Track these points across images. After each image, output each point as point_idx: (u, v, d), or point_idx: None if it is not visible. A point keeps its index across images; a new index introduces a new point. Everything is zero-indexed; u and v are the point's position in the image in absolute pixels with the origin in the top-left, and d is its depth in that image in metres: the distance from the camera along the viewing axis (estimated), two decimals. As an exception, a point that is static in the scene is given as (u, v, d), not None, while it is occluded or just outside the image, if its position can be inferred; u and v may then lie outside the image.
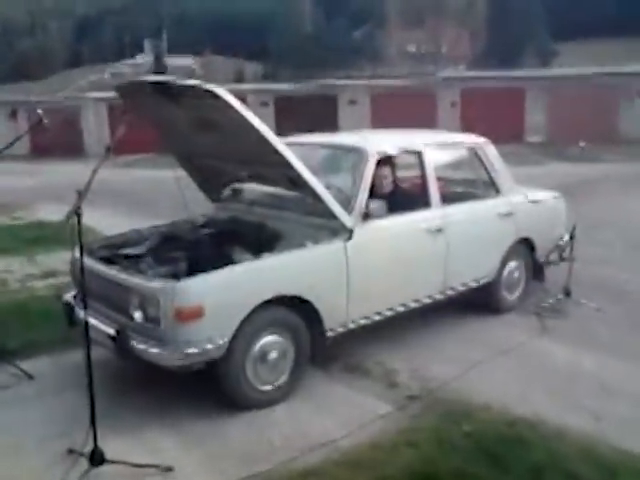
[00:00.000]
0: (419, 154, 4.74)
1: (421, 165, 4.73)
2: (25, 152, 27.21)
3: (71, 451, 3.26)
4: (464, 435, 3.46)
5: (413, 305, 4.60)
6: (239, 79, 46.73)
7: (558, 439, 3.41)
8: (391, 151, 4.62)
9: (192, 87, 3.66)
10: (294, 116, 24.99)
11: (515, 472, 3.14)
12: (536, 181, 7.77)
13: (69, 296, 4.30)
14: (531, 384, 4.12)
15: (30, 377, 4.21)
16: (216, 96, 3.53)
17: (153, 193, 12.49)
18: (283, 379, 3.89)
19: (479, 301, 5.34)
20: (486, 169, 5.27)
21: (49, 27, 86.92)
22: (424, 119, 21.12)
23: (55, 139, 26.15)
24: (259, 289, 3.69)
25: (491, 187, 5.30)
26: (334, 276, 4.02)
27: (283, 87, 30.47)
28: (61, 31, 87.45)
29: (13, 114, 28.98)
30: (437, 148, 4.98)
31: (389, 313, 4.43)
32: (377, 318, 4.36)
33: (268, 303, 3.70)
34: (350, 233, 4.07)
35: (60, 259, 6.78)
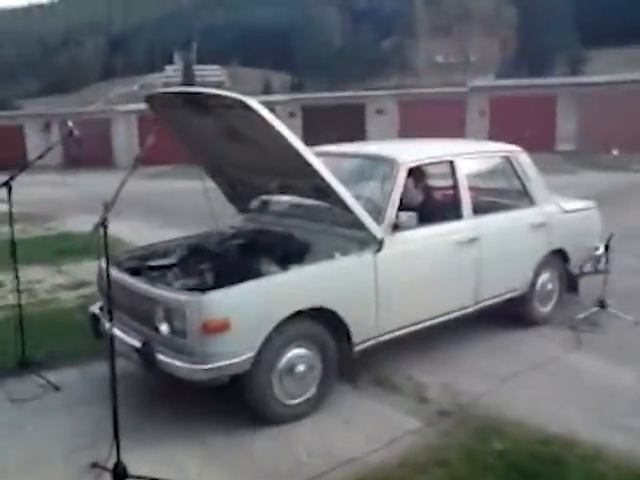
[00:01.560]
0: (451, 164, 4.65)
1: (453, 175, 4.64)
2: (58, 163, 27.80)
3: (95, 465, 3.23)
4: (497, 453, 3.34)
5: (444, 318, 4.50)
6: (267, 90, 47.13)
7: (596, 459, 3.27)
8: (422, 161, 4.55)
9: (222, 97, 3.63)
10: (321, 126, 25.02)
11: (551, 494, 3.02)
12: (568, 190, 7.59)
13: (95, 307, 4.29)
14: (566, 400, 3.98)
15: (56, 388, 4.21)
16: (247, 107, 3.49)
17: (181, 204, 12.56)
18: (310, 393, 3.82)
19: (511, 313, 5.21)
20: (520, 179, 5.15)
21: (83, 42, 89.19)
22: (453, 128, 20.98)
23: (86, 151, 26.64)
24: (287, 301, 3.63)
25: (525, 197, 5.17)
26: (363, 288, 3.95)
27: (311, 96, 30.55)
28: (95, 46, 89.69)
29: (47, 126, 29.61)
30: (469, 158, 4.88)
31: (419, 326, 4.34)
32: (406, 331, 4.27)
33: (296, 315, 3.64)
34: (380, 244, 3.99)
35: (89, 270, 6.83)
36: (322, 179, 3.74)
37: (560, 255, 5.37)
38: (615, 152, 20.45)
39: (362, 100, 28.97)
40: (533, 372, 4.39)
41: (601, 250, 5.39)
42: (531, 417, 3.72)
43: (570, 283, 5.55)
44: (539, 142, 20.64)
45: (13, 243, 4.36)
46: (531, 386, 4.19)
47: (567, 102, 25.30)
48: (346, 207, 3.87)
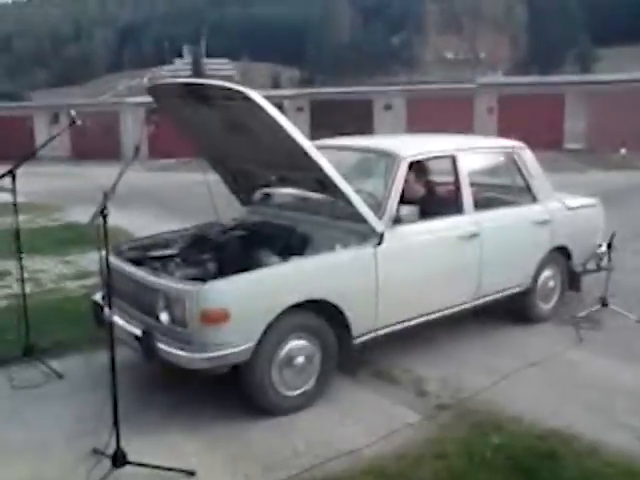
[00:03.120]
0: (452, 159, 4.65)
1: (454, 170, 4.64)
2: (67, 155, 27.98)
3: (95, 451, 3.26)
4: (494, 448, 3.35)
5: (444, 312, 4.50)
6: (275, 84, 47.10)
7: (593, 456, 3.27)
8: (423, 155, 4.55)
9: (224, 89, 3.65)
10: (329, 121, 24.98)
11: (547, 488, 3.03)
12: (575, 189, 7.57)
13: (98, 296, 4.32)
14: (565, 397, 3.98)
15: (60, 376, 4.25)
16: (247, 98, 3.50)
17: (187, 196, 12.59)
18: (309, 385, 3.84)
19: (513, 310, 5.21)
20: (522, 175, 5.15)
21: (93, 34, 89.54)
22: (460, 125, 20.87)
23: (94, 143, 26.78)
24: (286, 293, 3.64)
25: (527, 193, 5.17)
26: (363, 281, 3.96)
27: (319, 90, 30.51)
28: (104, 38, 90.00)
29: (55, 118, 29.70)
30: (471, 153, 4.88)
31: (419, 320, 4.35)
32: (407, 325, 4.28)
33: (295, 307, 3.65)
34: (380, 238, 4.00)
35: (94, 260, 6.86)
36: (323, 172, 3.76)
37: (563, 252, 5.36)
38: (623, 151, 20.31)
39: (370, 96, 28.89)
40: (533, 368, 4.39)
41: (604, 248, 5.38)
42: (530, 412, 3.72)
43: (572, 280, 5.54)
44: (547, 140, 20.55)
45: (17, 232, 4.41)
46: (531, 382, 4.20)
47: (576, 100, 25.15)
48: (347, 200, 3.88)
